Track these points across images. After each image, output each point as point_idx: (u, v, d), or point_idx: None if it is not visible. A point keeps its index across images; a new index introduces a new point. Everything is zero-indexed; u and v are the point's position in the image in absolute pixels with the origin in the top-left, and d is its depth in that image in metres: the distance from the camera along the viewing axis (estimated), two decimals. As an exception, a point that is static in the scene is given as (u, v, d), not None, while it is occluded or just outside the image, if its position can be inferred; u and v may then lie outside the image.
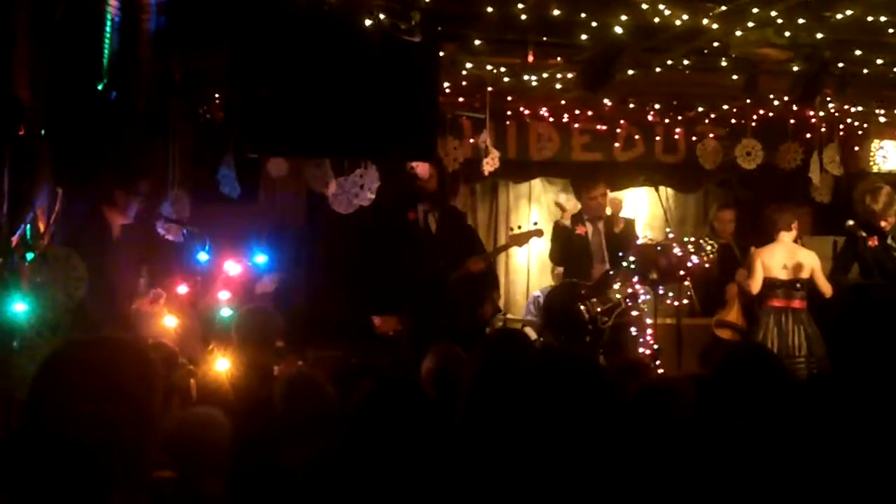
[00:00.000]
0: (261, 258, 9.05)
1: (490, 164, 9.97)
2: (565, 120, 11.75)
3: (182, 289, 8.46)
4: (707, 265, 10.50)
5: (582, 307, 10.11)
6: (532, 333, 12.00)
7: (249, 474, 4.89)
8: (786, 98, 9.81)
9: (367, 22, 7.21)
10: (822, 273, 10.22)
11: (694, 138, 12.06)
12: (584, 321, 10.02)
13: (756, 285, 10.17)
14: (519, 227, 10.94)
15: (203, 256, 8.53)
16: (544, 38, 8.22)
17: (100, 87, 6.43)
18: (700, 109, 11.56)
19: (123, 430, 2.92)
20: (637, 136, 12.16)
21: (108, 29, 6.25)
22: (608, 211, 10.86)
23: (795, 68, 8.69)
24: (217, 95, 9.33)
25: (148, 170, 8.71)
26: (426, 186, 10.05)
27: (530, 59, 8.41)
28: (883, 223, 10.21)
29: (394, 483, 4.13)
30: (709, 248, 10.47)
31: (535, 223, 11.27)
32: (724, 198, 12.70)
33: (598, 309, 10.08)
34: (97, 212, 8.36)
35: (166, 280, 8.64)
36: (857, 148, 12.21)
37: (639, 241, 10.16)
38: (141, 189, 8.47)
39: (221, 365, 6.94)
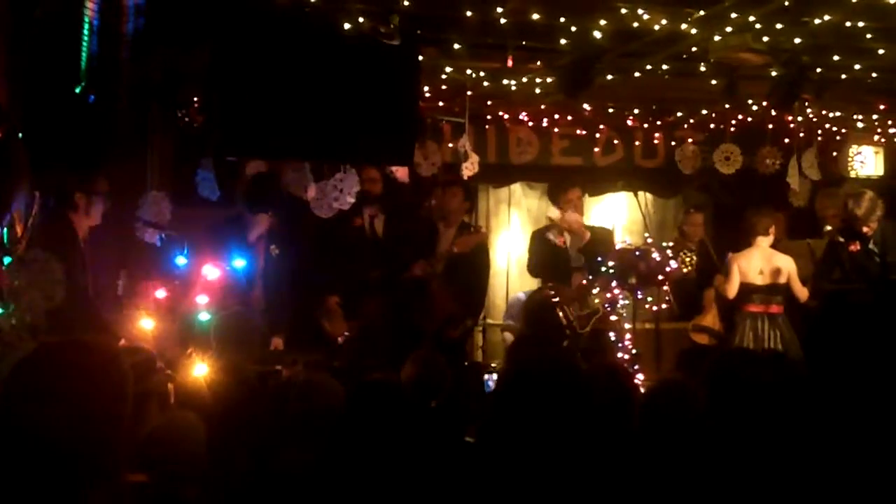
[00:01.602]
0: (239, 262, 9.03)
1: (470, 168, 9.96)
2: (545, 124, 11.76)
3: (160, 293, 8.43)
4: (685, 271, 10.55)
5: (560, 312, 10.10)
6: (510, 337, 12.02)
7: (225, 480, 4.87)
8: (764, 103, 9.83)
9: (347, 25, 7.21)
10: (799, 278, 10.25)
11: (673, 143, 12.10)
12: (561, 326, 10.01)
13: (732, 290, 10.21)
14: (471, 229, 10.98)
15: (181, 260, 8.50)
16: (524, 43, 8.23)
17: (78, 90, 6.41)
18: (679, 114, 11.59)
19: (93, 432, 2.91)
20: (616, 141, 12.18)
21: (86, 31, 6.24)
22: (585, 220, 10.87)
23: (774, 73, 8.71)
24: (196, 98, 9.31)
25: (103, 168, 8.64)
26: (372, 190, 10.05)
27: (510, 63, 8.42)
28: (865, 228, 10.21)
29: (377, 486, 4.14)
30: (688, 259, 10.51)
31: (481, 227, 11.30)
32: (703, 202, 12.72)
33: (577, 314, 10.06)
34: (62, 216, 8.32)
35: (144, 284, 8.61)
36: (835, 153, 12.26)
37: (618, 246, 10.15)
38: (100, 188, 8.40)
39: (200, 369, 6.92)
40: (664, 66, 8.97)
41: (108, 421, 2.97)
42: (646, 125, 12.07)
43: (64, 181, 8.18)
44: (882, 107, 10.90)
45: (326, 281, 9.89)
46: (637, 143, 12.23)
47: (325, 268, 9.90)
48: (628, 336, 9.82)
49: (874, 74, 9.22)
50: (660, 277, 9.72)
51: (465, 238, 10.74)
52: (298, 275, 9.84)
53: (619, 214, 12.97)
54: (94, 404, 2.94)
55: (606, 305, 9.95)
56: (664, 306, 10.12)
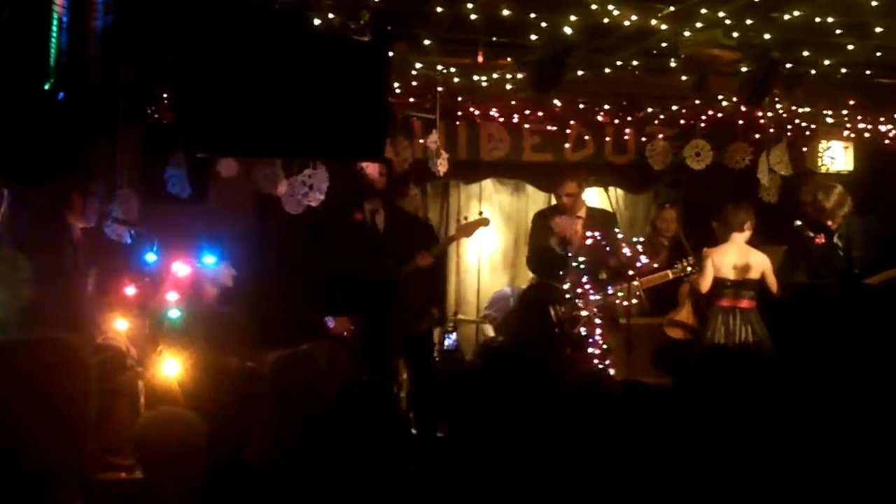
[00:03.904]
0: (210, 259, 9.02)
1: (442, 164, 9.95)
2: (516, 120, 11.75)
3: (130, 290, 8.41)
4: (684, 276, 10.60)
5: (552, 311, 10.12)
6: (490, 331, 12.04)
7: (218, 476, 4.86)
8: (734, 98, 9.86)
9: (317, 21, 7.19)
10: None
11: (644, 139, 12.09)
12: (553, 325, 10.02)
13: (706, 285, 10.23)
14: (465, 218, 10.96)
15: (151, 257, 8.48)
16: (494, 39, 8.23)
17: (47, 87, 6.38)
18: (650, 110, 11.59)
19: (55, 431, 2.88)
20: (587, 137, 12.17)
21: (54, 28, 6.21)
22: (583, 212, 10.86)
23: (744, 69, 8.74)
24: (165, 95, 9.28)
25: (95, 169, 8.65)
26: (376, 185, 10.04)
27: (480, 59, 8.42)
28: (830, 222, 10.29)
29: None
30: (689, 269, 10.54)
31: (481, 212, 11.28)
32: (674, 198, 12.72)
33: (569, 315, 10.07)
34: (58, 215, 8.33)
35: (115, 282, 8.59)
36: (805, 148, 12.28)
37: (588, 241, 10.15)
38: (95, 189, 8.43)
39: (170, 367, 6.91)
40: (634, 62, 8.99)
41: (70, 419, 2.94)
42: (616, 121, 12.07)
43: (60, 181, 8.20)
44: (851, 102, 10.94)
45: (328, 277, 9.86)
46: (608, 138, 12.23)
47: (326, 263, 9.87)
48: (598, 331, 9.83)
49: (844, 70, 9.26)
50: (630, 273, 9.74)
51: (467, 225, 10.78)
52: (300, 271, 9.83)
53: (589, 210, 12.99)
54: (56, 402, 2.90)
55: (577, 301, 9.96)
56: (634, 301, 10.14)
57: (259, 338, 8.87)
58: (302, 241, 9.89)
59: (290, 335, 9.02)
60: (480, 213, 11.15)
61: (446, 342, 11.14)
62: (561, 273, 10.37)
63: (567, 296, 10.09)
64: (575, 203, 10.76)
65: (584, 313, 9.93)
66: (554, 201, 11.27)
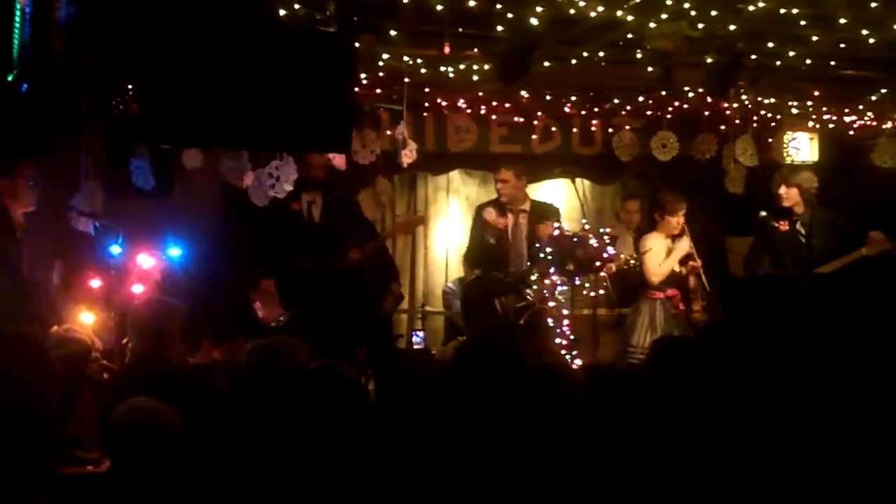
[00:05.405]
0: (175, 251, 8.98)
1: (408, 156, 9.95)
2: (483, 112, 11.75)
3: (95, 283, 8.36)
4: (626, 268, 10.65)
5: (497, 302, 10.14)
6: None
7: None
8: (700, 90, 9.89)
9: (282, 12, 7.18)
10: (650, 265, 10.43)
11: (610, 130, 12.12)
12: (498, 316, 10.04)
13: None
14: (398, 216, 10.99)
15: (116, 250, 8.44)
16: (461, 30, 8.22)
17: (10, 79, 6.35)
18: (616, 101, 11.60)
19: (16, 425, 2.86)
20: (554, 129, 12.18)
21: (17, 19, 6.17)
22: (527, 206, 10.89)
23: (709, 60, 8.76)
24: (130, 86, 9.23)
25: (34, 153, 8.55)
26: (317, 175, 10.03)
27: (447, 50, 8.41)
28: (782, 189, 10.50)
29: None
30: (633, 262, 10.58)
31: (416, 210, 11.31)
32: (640, 189, 12.76)
33: (514, 306, 10.10)
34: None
35: (80, 274, 8.55)
36: (770, 139, 12.34)
37: (555, 233, 10.17)
38: (26, 172, 8.31)
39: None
40: (601, 54, 8.99)
41: (32, 413, 2.92)
42: (583, 112, 12.08)
43: None
44: (816, 93, 10.98)
45: (261, 265, 9.86)
46: (575, 130, 12.25)
47: (260, 252, 9.87)
48: (566, 322, 9.86)
49: (808, 61, 9.28)
50: (597, 264, 9.77)
51: (405, 222, 10.76)
52: (234, 258, 9.80)
53: (557, 201, 12.99)
54: (17, 396, 2.88)
55: (545, 292, 9.98)
56: (601, 292, 10.18)
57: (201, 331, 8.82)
58: (246, 233, 9.91)
59: (228, 327, 9.00)
60: (416, 212, 11.19)
61: (414, 339, 11.15)
62: (498, 262, 10.47)
63: (513, 287, 10.16)
64: (513, 192, 10.83)
65: (552, 304, 9.95)
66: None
